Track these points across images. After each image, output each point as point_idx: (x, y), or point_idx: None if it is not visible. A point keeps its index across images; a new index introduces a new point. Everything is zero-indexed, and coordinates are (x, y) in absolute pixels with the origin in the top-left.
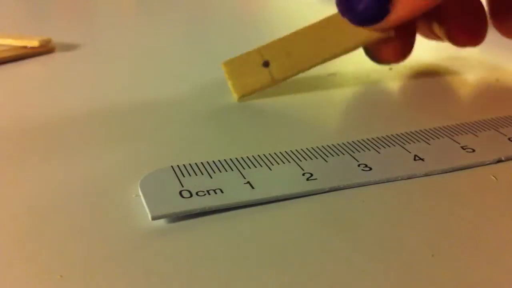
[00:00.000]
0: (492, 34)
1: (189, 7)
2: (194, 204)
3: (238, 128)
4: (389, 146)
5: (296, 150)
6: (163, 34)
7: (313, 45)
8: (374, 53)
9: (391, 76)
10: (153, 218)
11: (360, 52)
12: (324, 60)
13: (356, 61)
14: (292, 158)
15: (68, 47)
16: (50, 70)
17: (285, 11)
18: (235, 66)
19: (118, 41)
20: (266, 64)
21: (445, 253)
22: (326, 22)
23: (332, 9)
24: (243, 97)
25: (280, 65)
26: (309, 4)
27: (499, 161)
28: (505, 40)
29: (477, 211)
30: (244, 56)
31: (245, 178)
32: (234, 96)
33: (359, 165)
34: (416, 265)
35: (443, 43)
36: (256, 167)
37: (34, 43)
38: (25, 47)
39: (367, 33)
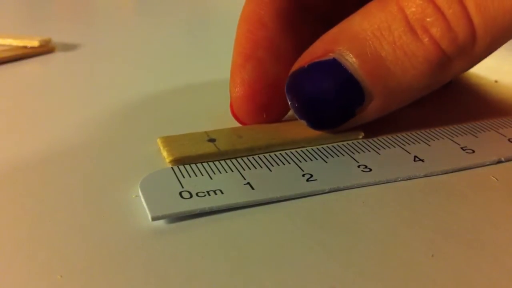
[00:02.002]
0: None
1: (189, 7)
2: (194, 205)
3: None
4: (389, 147)
5: (296, 151)
6: (163, 34)
7: (270, 132)
8: None
9: None
10: (153, 219)
11: None
12: (283, 144)
13: None
14: (292, 159)
15: (68, 47)
16: (50, 70)
17: None
18: (174, 139)
19: (118, 41)
20: (211, 140)
21: (445, 253)
22: (285, 123)
23: None
24: (176, 161)
25: (228, 142)
26: None
27: (499, 162)
28: None
29: (477, 211)
30: (186, 134)
31: (245, 179)
32: (166, 158)
33: (359, 166)
34: (416, 265)
35: None
36: (256, 168)
37: (34, 43)
38: (25, 47)
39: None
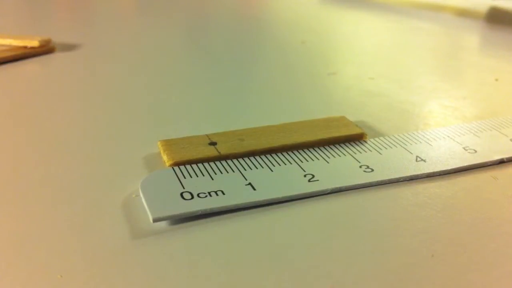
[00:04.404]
0: (492, 34)
1: (189, 7)
2: (195, 206)
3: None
4: (391, 147)
5: (298, 151)
6: (163, 34)
7: (271, 135)
8: None
9: (390, 76)
10: (154, 220)
11: (359, 51)
12: (285, 148)
13: (356, 61)
14: (294, 160)
15: (68, 47)
16: (50, 70)
17: (285, 11)
18: (174, 142)
19: (118, 41)
20: (213, 143)
21: (445, 253)
22: (286, 125)
23: (332, 9)
24: (176, 164)
25: (230, 145)
26: (309, 4)
27: (501, 162)
28: (504, 40)
29: (478, 212)
30: (187, 138)
31: (246, 179)
32: (166, 162)
33: (360, 167)
34: (416, 265)
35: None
36: (257, 168)
37: (34, 43)
38: (25, 47)
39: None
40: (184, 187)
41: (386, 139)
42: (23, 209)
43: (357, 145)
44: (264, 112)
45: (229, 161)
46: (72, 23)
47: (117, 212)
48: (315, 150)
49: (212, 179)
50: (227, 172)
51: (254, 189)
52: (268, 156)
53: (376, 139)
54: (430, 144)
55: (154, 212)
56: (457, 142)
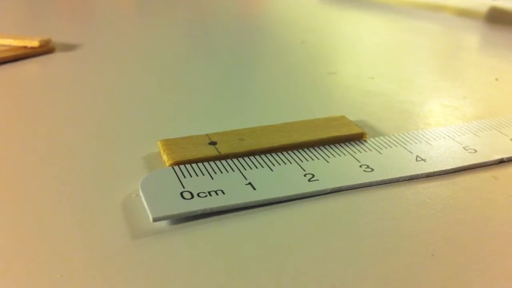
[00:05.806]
0: (492, 34)
1: (189, 7)
2: (195, 206)
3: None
4: (391, 147)
5: (298, 151)
6: (163, 34)
7: (271, 135)
8: None
9: (390, 76)
10: (154, 220)
11: (359, 51)
12: (285, 147)
13: (356, 60)
14: (294, 159)
15: (68, 47)
16: (50, 70)
17: (284, 11)
18: (174, 141)
19: (118, 41)
20: (213, 143)
21: (445, 253)
22: (286, 125)
23: (331, 9)
24: (176, 164)
25: (230, 145)
26: (308, 4)
27: (501, 161)
28: (504, 40)
29: (478, 211)
30: (187, 137)
31: (246, 179)
32: (166, 162)
33: (360, 166)
34: (416, 265)
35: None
36: (257, 167)
37: (34, 43)
38: (25, 47)
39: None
40: (184, 186)
41: (386, 139)
42: (23, 209)
43: (357, 144)
44: (264, 112)
45: (229, 161)
46: (72, 23)
47: (117, 212)
48: (315, 150)
49: (212, 178)
50: (227, 172)
51: (254, 189)
52: (268, 155)
53: (376, 138)
54: (430, 144)
55: (154, 211)
56: (457, 141)
